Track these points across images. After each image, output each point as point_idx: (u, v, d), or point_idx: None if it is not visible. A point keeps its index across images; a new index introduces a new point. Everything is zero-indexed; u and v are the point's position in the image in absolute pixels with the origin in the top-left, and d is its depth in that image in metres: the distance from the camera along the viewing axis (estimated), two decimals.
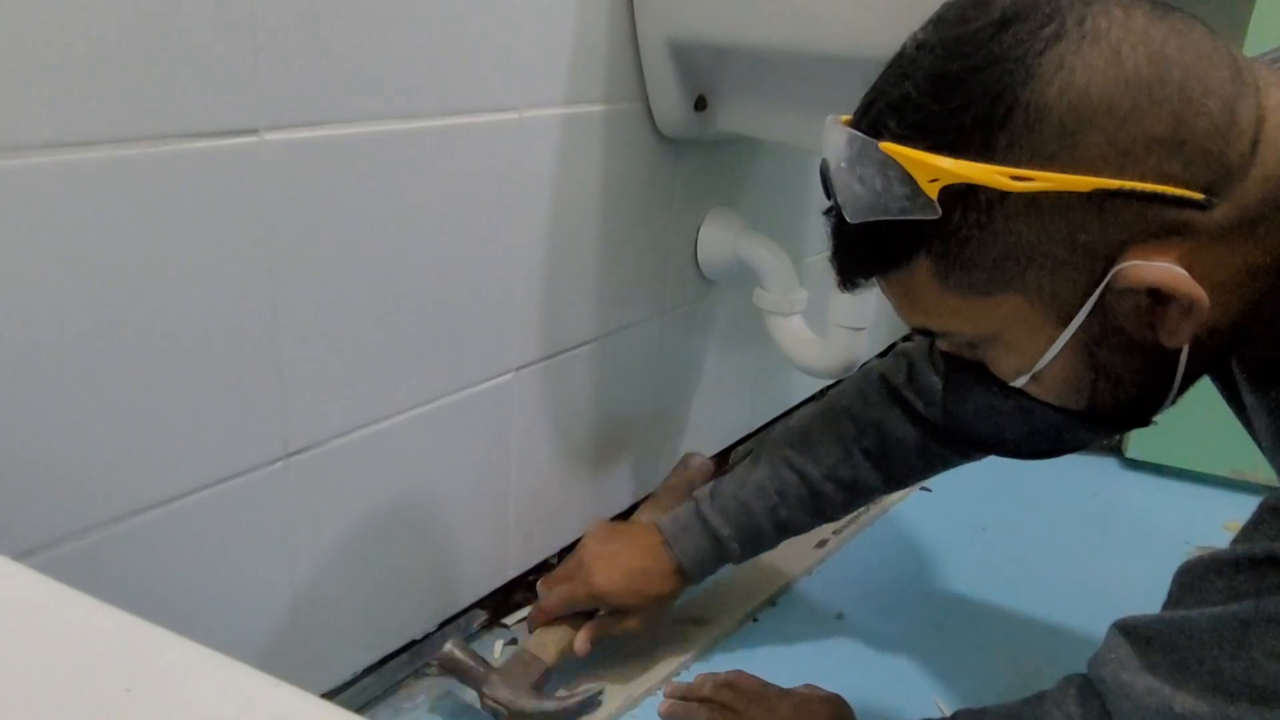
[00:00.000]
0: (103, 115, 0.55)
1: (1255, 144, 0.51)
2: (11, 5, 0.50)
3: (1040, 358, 0.58)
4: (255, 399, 0.68)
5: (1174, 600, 0.60)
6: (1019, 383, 0.60)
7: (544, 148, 0.86)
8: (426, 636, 0.91)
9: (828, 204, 0.59)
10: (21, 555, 0.57)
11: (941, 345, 0.64)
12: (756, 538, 0.91)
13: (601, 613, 0.90)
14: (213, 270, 0.63)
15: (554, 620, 0.90)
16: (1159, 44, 0.50)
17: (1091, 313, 0.54)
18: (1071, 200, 0.51)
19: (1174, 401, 0.61)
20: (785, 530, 0.92)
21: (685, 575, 0.91)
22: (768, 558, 0.97)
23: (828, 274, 1.01)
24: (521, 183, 0.85)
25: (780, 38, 0.83)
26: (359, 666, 0.85)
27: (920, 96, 0.52)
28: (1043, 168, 0.50)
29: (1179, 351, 0.56)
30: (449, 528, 0.89)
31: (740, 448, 1.35)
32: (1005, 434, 0.67)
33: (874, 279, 0.60)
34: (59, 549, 0.59)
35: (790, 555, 1.08)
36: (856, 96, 0.57)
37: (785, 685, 0.87)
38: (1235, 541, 0.57)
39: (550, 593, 0.90)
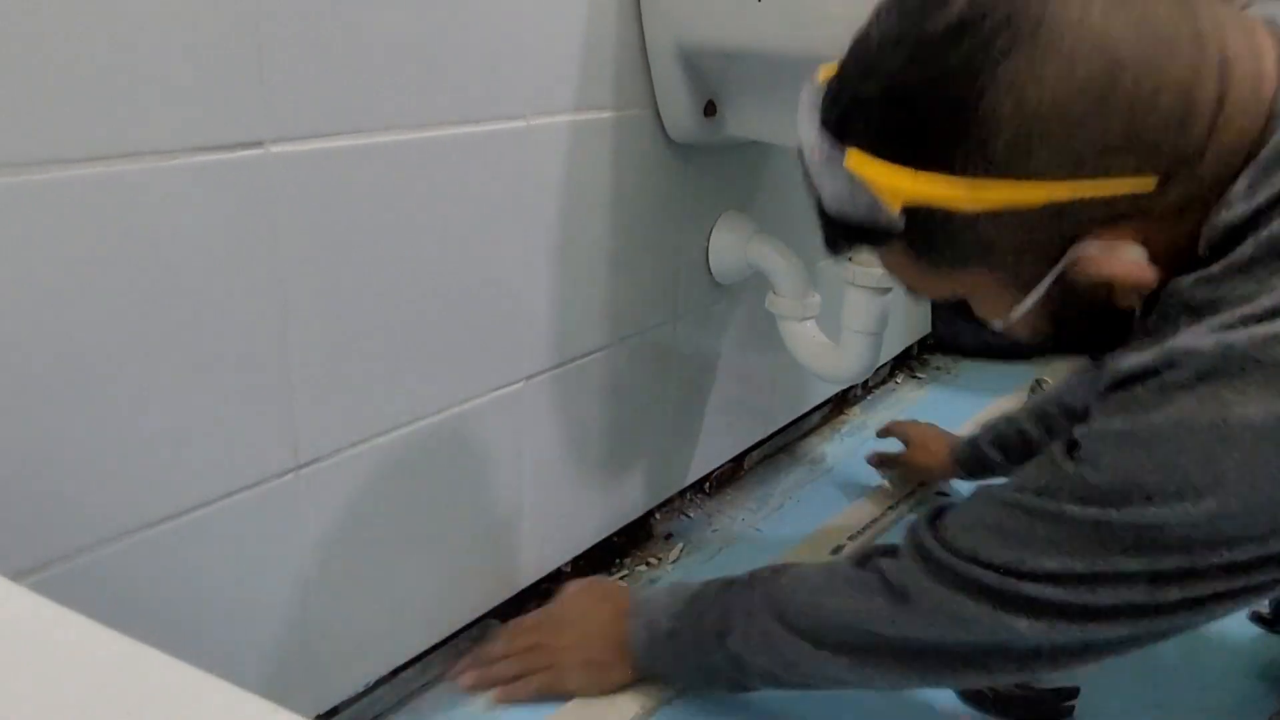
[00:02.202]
0: (107, 131, 0.55)
1: (1213, 128, 0.53)
2: (12, 26, 0.50)
3: (1006, 318, 0.64)
4: (265, 411, 0.68)
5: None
6: (993, 327, 0.67)
7: (553, 155, 0.85)
8: (439, 646, 0.91)
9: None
10: (21, 574, 0.57)
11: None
12: None
13: None
14: (221, 282, 0.63)
15: None
16: (1114, 44, 0.52)
17: (1050, 286, 0.60)
18: (1027, 208, 0.55)
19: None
20: None
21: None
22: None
23: (841, 278, 1.00)
24: (530, 191, 0.84)
25: (789, 43, 0.82)
26: (372, 678, 0.85)
27: (882, 104, 0.56)
28: (999, 177, 0.54)
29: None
30: (460, 537, 0.89)
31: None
32: (993, 348, 0.84)
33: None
34: (62, 566, 0.59)
35: (807, 560, 1.07)
36: None
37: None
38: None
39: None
